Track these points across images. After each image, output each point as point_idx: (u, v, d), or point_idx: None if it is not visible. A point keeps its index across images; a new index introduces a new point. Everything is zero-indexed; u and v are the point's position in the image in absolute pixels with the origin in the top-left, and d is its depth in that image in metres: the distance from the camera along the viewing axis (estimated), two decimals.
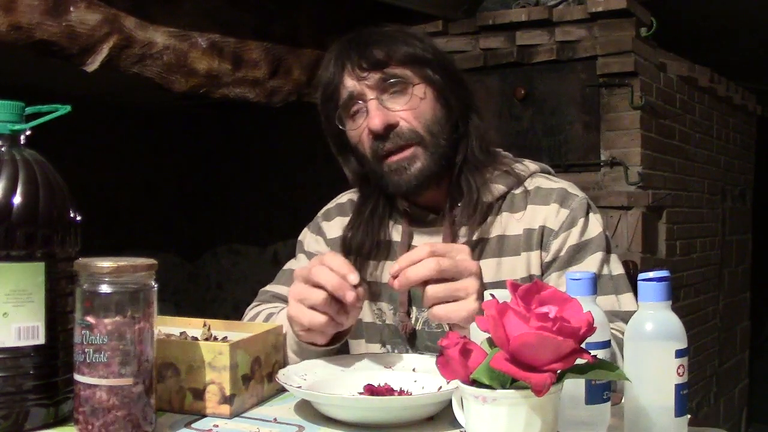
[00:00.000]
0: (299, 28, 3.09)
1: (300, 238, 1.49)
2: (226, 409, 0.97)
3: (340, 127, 1.30)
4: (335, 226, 1.43)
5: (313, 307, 1.07)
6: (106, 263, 0.85)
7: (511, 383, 0.74)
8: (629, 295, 1.25)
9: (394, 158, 1.26)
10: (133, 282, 0.86)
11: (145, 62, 2.57)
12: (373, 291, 1.33)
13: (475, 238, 1.28)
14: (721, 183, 4.10)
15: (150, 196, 5.43)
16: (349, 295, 1.05)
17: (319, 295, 1.06)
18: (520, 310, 0.73)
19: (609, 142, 3.03)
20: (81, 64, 2.44)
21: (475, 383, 0.76)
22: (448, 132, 1.28)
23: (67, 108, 0.97)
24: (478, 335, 0.80)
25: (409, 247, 1.32)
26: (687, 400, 0.81)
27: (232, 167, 5.51)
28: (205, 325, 1.13)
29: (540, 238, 1.27)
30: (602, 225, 1.30)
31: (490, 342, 0.77)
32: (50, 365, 0.91)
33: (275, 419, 0.97)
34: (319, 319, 1.08)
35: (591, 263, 1.24)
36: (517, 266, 1.27)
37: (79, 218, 0.95)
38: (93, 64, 2.44)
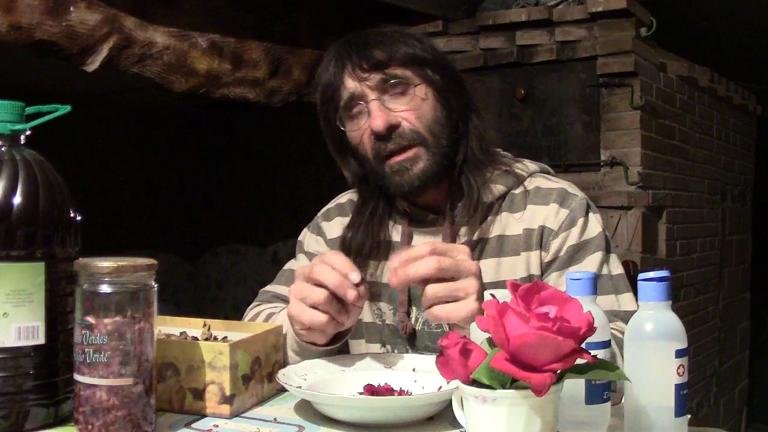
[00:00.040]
0: (299, 28, 3.09)
1: (300, 238, 1.49)
2: (226, 409, 0.97)
3: (341, 128, 1.30)
4: (335, 227, 1.43)
5: (314, 306, 1.07)
6: (106, 263, 0.85)
7: (511, 383, 0.74)
8: (629, 295, 1.25)
9: (397, 159, 1.26)
10: (133, 282, 0.86)
11: (145, 62, 2.57)
12: (373, 291, 1.33)
13: (475, 238, 1.28)
14: (721, 183, 4.10)
15: (150, 196, 5.43)
16: (351, 293, 1.05)
17: (320, 294, 1.06)
18: (520, 310, 0.73)
19: (609, 142, 3.03)
20: (81, 64, 2.44)
21: (475, 383, 0.76)
22: (449, 132, 1.29)
23: (67, 108, 0.97)
24: (478, 335, 0.80)
25: (408, 247, 1.32)
26: (687, 400, 0.81)
27: (232, 167, 5.52)
28: (205, 325, 1.13)
29: (540, 238, 1.27)
30: (602, 225, 1.30)
31: (490, 342, 0.77)
32: (50, 365, 0.91)
33: (275, 419, 0.97)
34: (320, 318, 1.08)
35: (590, 263, 1.24)
36: (517, 266, 1.27)
37: (79, 218, 0.95)
38: (93, 64, 2.44)
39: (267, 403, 1.05)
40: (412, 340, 1.32)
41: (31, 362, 0.89)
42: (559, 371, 0.73)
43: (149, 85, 2.72)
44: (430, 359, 1.08)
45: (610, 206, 2.99)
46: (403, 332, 1.32)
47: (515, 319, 0.73)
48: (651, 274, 0.82)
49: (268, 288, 1.46)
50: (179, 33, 2.65)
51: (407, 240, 1.33)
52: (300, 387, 1.00)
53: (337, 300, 1.07)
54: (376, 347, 1.35)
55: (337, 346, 1.18)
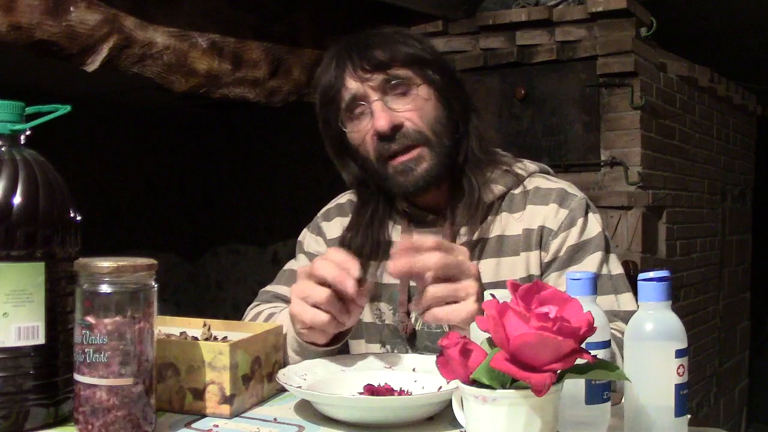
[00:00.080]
0: (299, 28, 3.09)
1: (300, 238, 1.49)
2: (226, 409, 0.97)
3: (343, 129, 1.30)
4: (335, 227, 1.43)
5: (316, 305, 1.07)
6: (106, 263, 0.85)
7: (511, 383, 0.74)
8: (628, 295, 1.25)
9: (401, 159, 1.26)
10: (133, 282, 0.86)
11: (145, 62, 2.57)
12: (373, 291, 1.33)
13: (474, 238, 1.28)
14: (721, 183, 4.10)
15: (150, 196, 5.43)
16: (350, 286, 1.05)
17: (322, 293, 1.06)
18: (520, 310, 0.73)
19: (609, 142, 3.03)
20: (81, 64, 2.44)
21: (475, 383, 0.76)
22: (450, 132, 1.29)
23: (67, 108, 0.97)
24: (478, 335, 0.80)
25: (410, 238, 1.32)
26: (687, 400, 0.81)
27: (232, 167, 5.52)
28: (205, 325, 1.13)
29: (539, 238, 1.27)
30: (601, 225, 1.30)
31: (490, 342, 0.77)
32: (50, 365, 0.91)
33: (275, 419, 0.97)
34: (322, 317, 1.08)
35: (590, 263, 1.24)
36: (517, 266, 1.27)
37: (79, 218, 0.95)
38: (93, 64, 2.44)
39: (267, 403, 1.05)
40: (412, 340, 1.32)
41: (31, 362, 0.89)
42: (559, 371, 0.73)
43: (149, 85, 2.72)
44: (430, 359, 1.08)
45: (610, 206, 2.99)
46: (403, 332, 1.31)
47: (515, 319, 0.73)
48: (651, 274, 0.82)
49: (268, 288, 1.46)
50: (179, 33, 2.65)
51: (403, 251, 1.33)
52: (300, 387, 1.00)
53: (339, 300, 1.07)
54: (375, 347, 1.35)
55: (337, 347, 1.18)
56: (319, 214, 1.49)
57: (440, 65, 1.31)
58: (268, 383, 1.06)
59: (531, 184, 1.32)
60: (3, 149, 0.92)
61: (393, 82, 1.25)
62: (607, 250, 1.28)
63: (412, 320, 1.31)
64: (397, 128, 1.24)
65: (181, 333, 1.10)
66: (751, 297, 4.74)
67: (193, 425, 0.95)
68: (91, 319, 0.85)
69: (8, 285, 0.88)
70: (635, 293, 0.87)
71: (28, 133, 0.95)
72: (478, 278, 1.05)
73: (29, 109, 0.97)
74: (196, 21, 2.71)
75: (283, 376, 1.03)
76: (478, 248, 1.28)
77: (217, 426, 0.94)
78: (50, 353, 0.91)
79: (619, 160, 3.00)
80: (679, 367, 0.80)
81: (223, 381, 0.96)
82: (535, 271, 1.27)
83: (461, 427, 0.84)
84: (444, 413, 0.95)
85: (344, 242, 1.35)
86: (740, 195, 4.46)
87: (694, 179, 3.67)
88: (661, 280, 0.81)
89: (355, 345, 1.38)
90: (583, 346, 0.74)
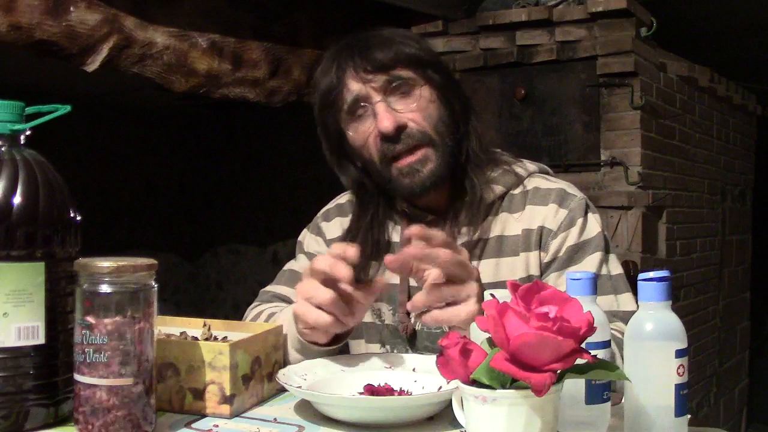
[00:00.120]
0: (299, 28, 3.09)
1: (300, 238, 1.49)
2: (226, 409, 0.97)
3: (346, 131, 1.30)
4: (335, 227, 1.43)
5: (319, 306, 1.07)
6: (106, 263, 0.85)
7: (511, 383, 0.74)
8: (628, 295, 1.25)
9: (406, 160, 1.25)
10: (133, 282, 0.86)
11: (145, 62, 2.57)
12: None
13: (474, 238, 1.28)
14: (721, 183, 4.10)
15: (150, 196, 5.43)
16: (341, 269, 1.04)
17: (326, 294, 1.06)
18: (520, 310, 0.73)
19: (609, 142, 3.03)
20: (81, 64, 2.44)
21: (475, 383, 0.76)
22: (452, 132, 1.29)
23: (67, 108, 0.97)
24: (478, 335, 0.80)
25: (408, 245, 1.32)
26: (687, 400, 0.81)
27: (232, 167, 5.52)
28: (205, 325, 1.13)
29: (539, 239, 1.27)
30: (601, 225, 1.30)
31: (490, 342, 0.77)
32: (50, 365, 0.91)
33: (275, 419, 0.97)
34: (325, 318, 1.08)
35: (590, 263, 1.24)
36: (516, 266, 1.27)
37: (79, 218, 0.95)
38: (93, 64, 2.44)
39: (267, 403, 1.05)
40: (412, 341, 1.32)
41: (31, 362, 0.89)
42: (559, 371, 0.73)
43: (149, 85, 2.72)
44: (430, 359, 1.08)
45: (610, 206, 2.99)
46: (403, 332, 1.31)
47: (515, 319, 0.73)
48: (651, 274, 0.82)
49: (269, 288, 1.46)
50: (179, 33, 2.65)
51: (407, 240, 1.33)
52: (300, 387, 1.00)
53: (342, 301, 1.07)
54: (375, 347, 1.35)
55: (338, 346, 1.18)
56: (318, 215, 1.49)
57: (439, 66, 1.31)
58: (268, 383, 1.06)
59: (530, 184, 1.32)
60: (3, 149, 0.92)
61: (395, 83, 1.25)
62: (606, 250, 1.28)
63: (412, 320, 1.31)
64: (401, 129, 1.24)
65: (181, 333, 1.10)
66: (751, 297, 4.74)
67: (193, 425, 0.95)
68: (91, 319, 0.85)
69: (8, 285, 0.88)
70: (635, 293, 0.87)
71: (28, 133, 0.95)
72: (479, 279, 1.05)
73: (29, 109, 0.97)
74: (196, 21, 2.71)
75: (283, 376, 1.03)
76: (477, 248, 1.28)
77: (217, 426, 0.94)
78: (50, 353, 0.91)
79: (619, 160, 3.00)
80: (679, 367, 0.80)
81: (223, 381, 0.96)
82: (534, 271, 1.27)
83: (461, 427, 0.84)
84: (444, 413, 0.95)
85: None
86: (740, 195, 4.46)
87: (694, 179, 3.67)
88: (661, 280, 0.81)
89: (355, 345, 1.38)
90: (583, 346, 0.74)
